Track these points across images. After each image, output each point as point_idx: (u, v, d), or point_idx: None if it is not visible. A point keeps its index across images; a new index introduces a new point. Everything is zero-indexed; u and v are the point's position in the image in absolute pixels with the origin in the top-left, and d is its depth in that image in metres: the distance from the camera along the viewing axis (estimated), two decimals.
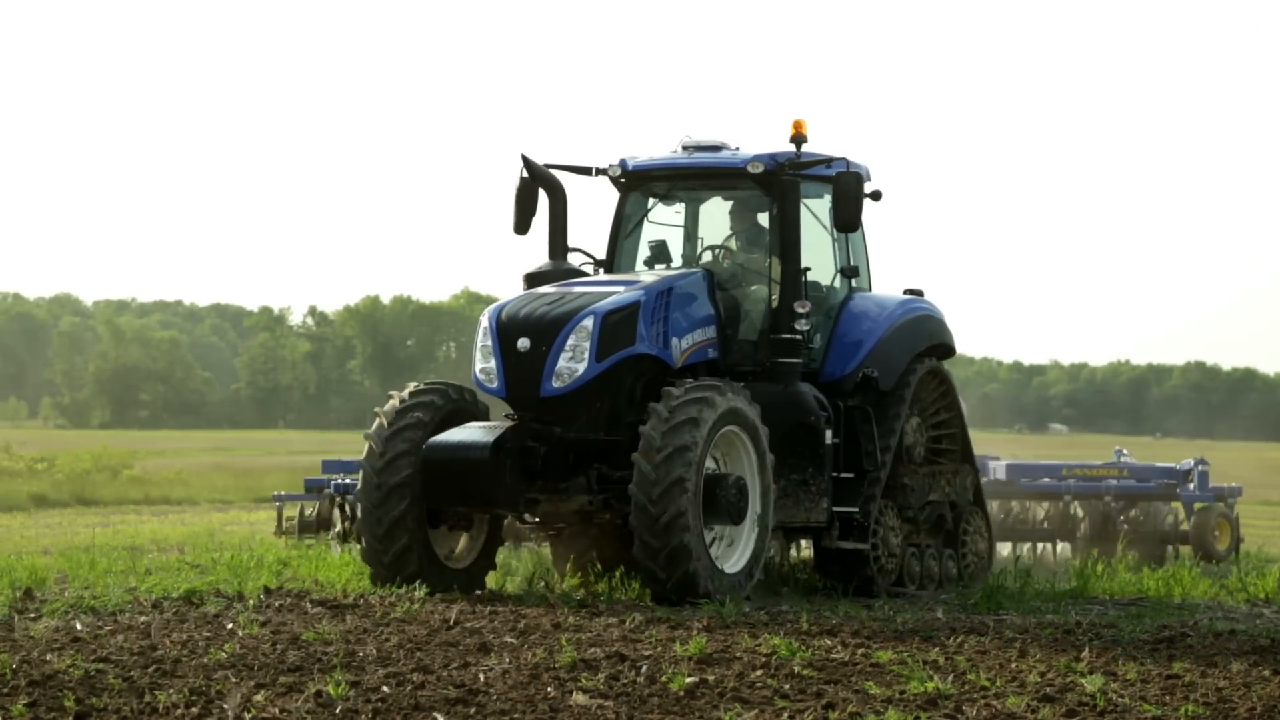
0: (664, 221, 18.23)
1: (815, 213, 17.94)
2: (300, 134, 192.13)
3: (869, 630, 13.47)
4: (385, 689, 9.62)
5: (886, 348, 17.98)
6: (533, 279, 17.23)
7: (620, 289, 16.40)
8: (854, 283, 18.31)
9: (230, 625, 12.82)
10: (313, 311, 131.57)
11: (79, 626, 12.72)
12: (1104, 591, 17.93)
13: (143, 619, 13.29)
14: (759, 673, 10.68)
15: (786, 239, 17.17)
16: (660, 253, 17.89)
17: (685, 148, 17.86)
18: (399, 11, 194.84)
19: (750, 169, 17.28)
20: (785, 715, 9.13)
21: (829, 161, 17.43)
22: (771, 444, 16.56)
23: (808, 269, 17.25)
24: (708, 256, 17.90)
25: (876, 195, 18.26)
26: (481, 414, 16.35)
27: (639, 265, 17.95)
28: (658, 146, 18.02)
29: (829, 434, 17.18)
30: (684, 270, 17.49)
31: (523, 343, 15.90)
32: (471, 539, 16.50)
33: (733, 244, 17.85)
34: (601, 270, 17.89)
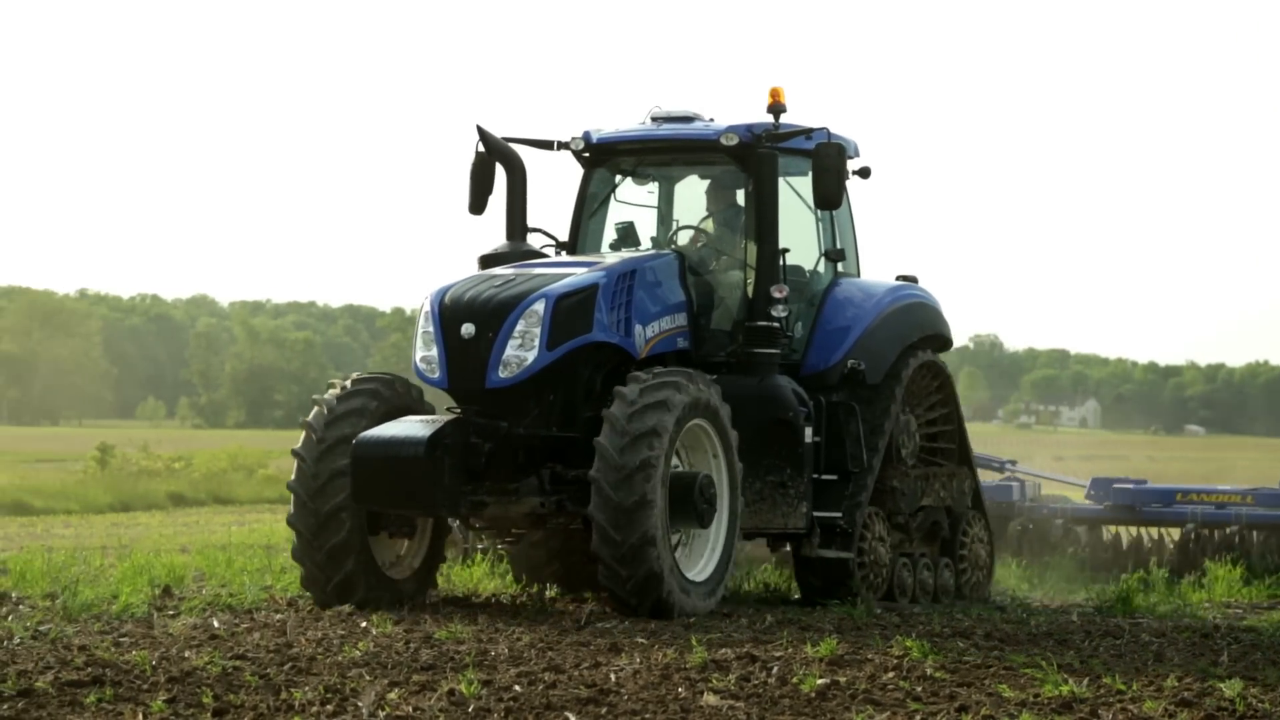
0: (632, 200, 16.78)
1: (797, 190, 16.47)
2: (431, 133, 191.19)
3: (1002, 633, 13.42)
4: (517, 688, 9.64)
5: (874, 338, 16.50)
6: (488, 261, 15.80)
7: (578, 270, 14.96)
8: (840, 267, 16.83)
9: (364, 623, 12.98)
10: None
11: (216, 624, 12.92)
12: (1239, 596, 17.72)
13: (278, 617, 13.59)
14: (891, 674, 10.59)
15: (763, 217, 15.70)
16: (628, 234, 16.44)
17: (654, 119, 16.40)
18: None
19: (724, 141, 15.83)
20: (918, 718, 9.00)
21: (809, 133, 15.96)
22: (746, 442, 15.10)
23: (786, 251, 15.78)
24: (681, 239, 16.43)
25: (865, 172, 16.80)
26: (430, 410, 14.92)
27: (604, 248, 16.50)
28: (626, 118, 16.60)
29: (809, 432, 15.69)
30: (651, 252, 16.04)
31: (467, 329, 14.46)
32: (412, 547, 15.05)
33: (707, 224, 16.38)
34: (564, 253, 16.45)
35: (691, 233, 16.36)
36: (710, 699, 9.41)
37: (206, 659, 10.65)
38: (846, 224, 16.89)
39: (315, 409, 14.53)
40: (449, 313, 14.55)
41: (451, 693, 9.42)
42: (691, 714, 8.99)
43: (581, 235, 16.60)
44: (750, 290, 15.77)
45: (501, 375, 14.38)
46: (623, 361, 15.00)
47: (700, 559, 14.66)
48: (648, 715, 8.87)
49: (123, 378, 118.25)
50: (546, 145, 16.54)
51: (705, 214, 16.44)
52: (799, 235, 16.47)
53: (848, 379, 16.29)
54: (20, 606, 14.20)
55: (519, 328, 14.39)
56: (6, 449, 65.34)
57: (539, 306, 14.42)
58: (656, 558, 13.76)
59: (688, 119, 16.28)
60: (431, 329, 14.60)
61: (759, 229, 15.69)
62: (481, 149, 16.18)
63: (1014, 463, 23.28)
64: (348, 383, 14.74)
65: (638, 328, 15.09)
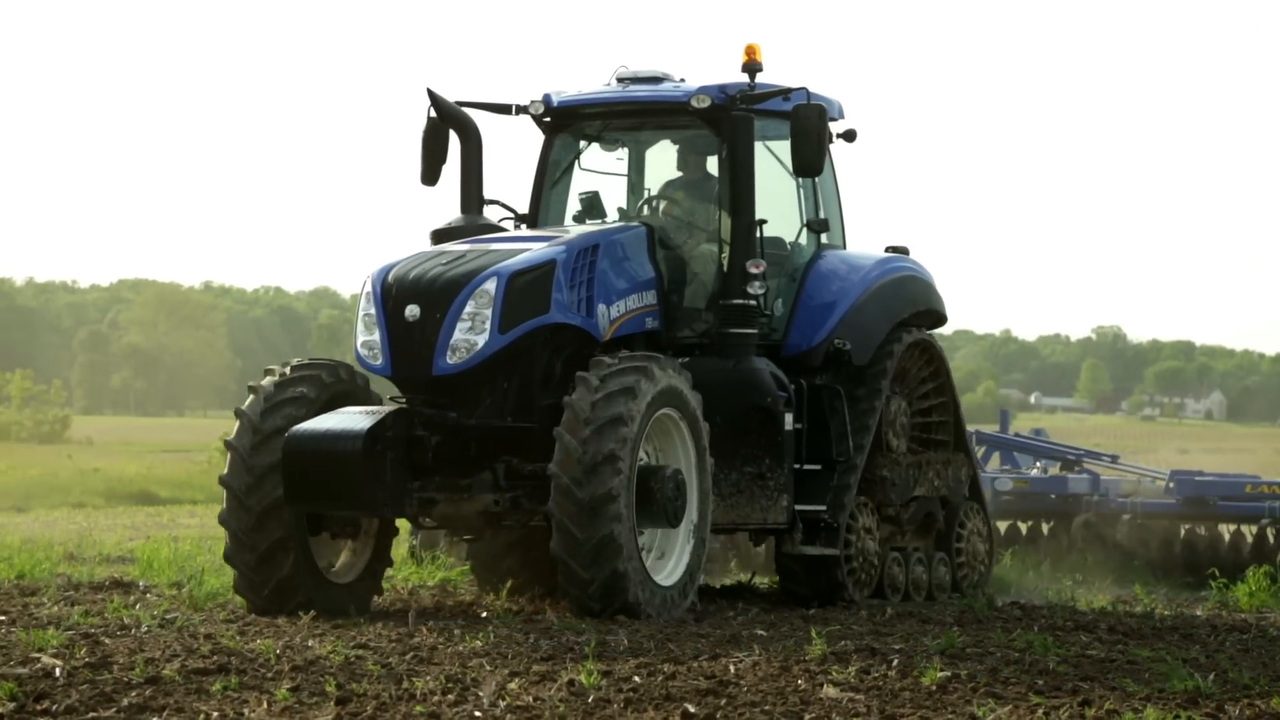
0: (599, 169, 15.51)
1: (776, 155, 15.21)
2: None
3: (1126, 626, 13.26)
4: (636, 679, 9.65)
5: (861, 315, 15.23)
6: (440, 237, 14.53)
7: (534, 245, 13.69)
8: (824, 239, 15.55)
9: (484, 614, 13.17)
10: None
11: None
12: None
13: (400, 606, 13.65)
14: (1012, 668, 10.46)
15: (738, 185, 14.42)
16: (593, 206, 15.17)
17: (620, 80, 15.11)
18: None
19: (695, 103, 14.54)
20: (1040, 711, 8.84)
21: (787, 93, 14.67)
22: (721, 430, 13.87)
23: (764, 221, 14.51)
24: (650, 210, 15.16)
25: (850, 135, 15.54)
26: (376, 399, 13.65)
27: (568, 220, 15.24)
28: (590, 80, 15.34)
29: (789, 418, 14.44)
30: (617, 224, 14.77)
31: (411, 311, 13.20)
32: (357, 549, 13.80)
33: (678, 194, 15.10)
34: (523, 226, 15.17)
35: (661, 203, 15.07)
36: (830, 691, 9.31)
37: (329, 648, 10.76)
38: (831, 192, 15.63)
39: (251, 397, 13.28)
40: (392, 293, 13.30)
41: (571, 683, 9.42)
42: (811, 706, 8.90)
43: (543, 207, 15.34)
44: (725, 265, 14.50)
45: (449, 361, 13.13)
46: (584, 345, 13.75)
47: (670, 560, 13.43)
48: (767, 707, 8.79)
49: (246, 369, 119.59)
50: (504, 110, 15.28)
51: (676, 183, 15.16)
52: (778, 205, 15.22)
53: (832, 360, 15.04)
54: (147, 595, 14.41)
55: (468, 309, 13.14)
56: (133, 439, 65.98)
57: (490, 285, 13.16)
58: (622, 559, 12.54)
59: (656, 80, 15.01)
60: (373, 311, 13.35)
61: (734, 198, 14.42)
62: (433, 114, 14.93)
63: (1115, 458, 21.75)
64: (286, 369, 13.48)
65: (601, 307, 13.84)
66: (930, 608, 13.85)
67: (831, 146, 15.47)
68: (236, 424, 13.19)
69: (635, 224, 14.63)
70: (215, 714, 8.24)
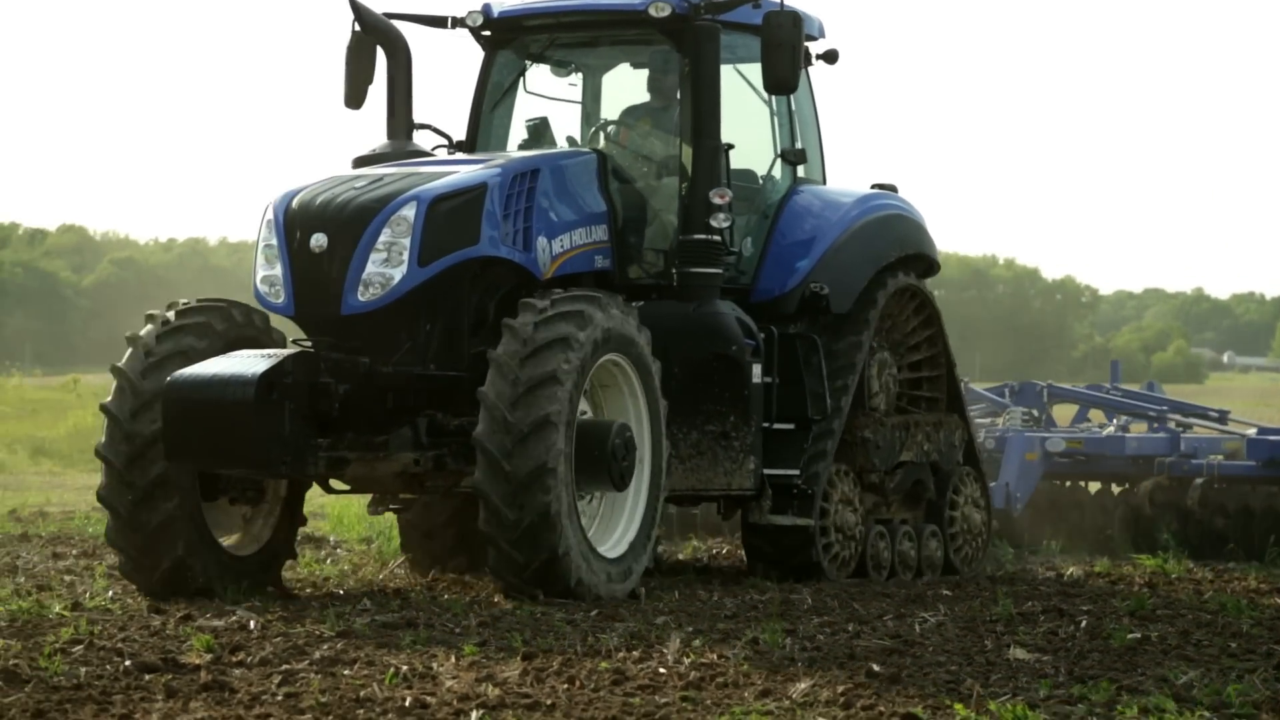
0: (548, 94, 13.77)
1: (746, 77, 13.49)
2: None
3: None
4: (820, 637, 9.65)
5: (841, 256, 13.49)
6: (364, 165, 12.79)
7: (464, 168, 11.97)
8: (801, 172, 13.81)
9: (669, 573, 13.06)
10: None
11: None
12: None
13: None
14: (1204, 631, 10.21)
15: (701, 106, 12.68)
16: (540, 132, 13.45)
17: None
18: None
19: (653, 12, 12.79)
20: (1233, 674, 8.58)
21: (757, 1, 12.93)
22: (680, 383, 12.23)
23: (730, 146, 12.78)
24: (606, 139, 13.42)
25: (831, 56, 13.80)
26: (280, 343, 11.92)
27: (511, 148, 13.51)
28: None
29: (757, 370, 12.71)
30: (562, 150, 13.05)
31: (317, 241, 11.49)
32: (259, 515, 12.09)
33: (638, 121, 13.36)
34: (459, 154, 13.44)
35: (618, 130, 13.33)
36: (1018, 653, 9.13)
37: (516, 604, 10.78)
38: (809, 120, 13.89)
39: (129, 351, 11.54)
40: (295, 221, 11.60)
41: (755, 641, 9.36)
42: (997, 667, 8.71)
43: (481, 133, 13.59)
44: (686, 196, 12.77)
45: (361, 299, 11.43)
46: (522, 284, 12.01)
47: (616, 528, 11.73)
48: (953, 667, 8.65)
49: None
50: (438, 22, 13.51)
51: (635, 109, 13.42)
52: (750, 132, 13.50)
53: (808, 307, 13.31)
54: (338, 550, 14.72)
55: (383, 238, 11.43)
56: None
57: (408, 212, 11.45)
58: (561, 540, 10.86)
59: None
60: (275, 242, 11.64)
61: (696, 119, 12.69)
62: (357, 28, 13.19)
63: (1225, 414, 19.25)
64: (171, 314, 11.72)
65: (541, 241, 12.10)
66: (1118, 568, 13.33)
67: (810, 69, 13.75)
68: (114, 384, 11.45)
69: (583, 150, 12.90)
70: (405, 667, 8.20)
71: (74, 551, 14.48)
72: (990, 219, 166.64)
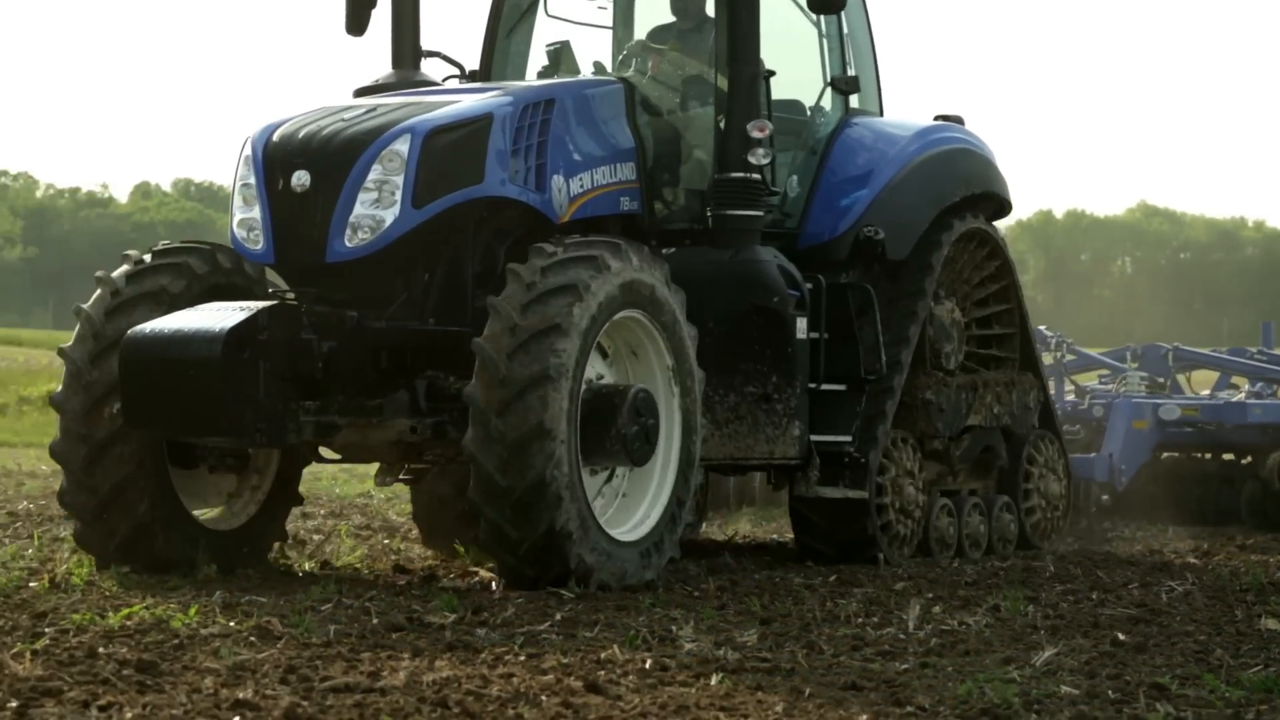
0: (572, 18, 12.37)
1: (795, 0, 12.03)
2: None
3: None
4: (1063, 605, 9.55)
5: (898, 196, 12.06)
6: (366, 96, 11.41)
7: (469, 97, 10.58)
8: (854, 102, 12.36)
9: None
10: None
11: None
12: None
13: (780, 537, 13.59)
14: None
15: (738, 25, 11.24)
16: (561, 59, 12.05)
17: None
18: None
19: None
20: None
21: None
22: (716, 340, 10.87)
23: (772, 73, 11.36)
24: (633, 65, 12.00)
25: None
26: (262, 295, 10.58)
27: (530, 77, 12.11)
28: None
29: (802, 324, 11.29)
30: (583, 78, 11.64)
31: (299, 178, 10.12)
32: (246, 490, 10.79)
33: (670, 45, 11.94)
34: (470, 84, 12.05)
35: (649, 57, 11.90)
36: (1269, 623, 8.81)
37: (753, 569, 10.96)
38: (863, 43, 12.47)
39: (97, 292, 10.25)
40: (276, 157, 10.23)
41: (996, 609, 9.28)
42: (1248, 638, 8.42)
43: (497, 61, 12.25)
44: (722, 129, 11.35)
45: (348, 244, 10.07)
46: (536, 229, 10.62)
47: (637, 509, 10.33)
48: (1201, 637, 8.39)
49: None
50: None
51: (667, 30, 12.01)
52: (796, 58, 12.10)
53: (861, 253, 11.89)
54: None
55: (373, 176, 10.06)
56: None
57: (401, 145, 10.07)
58: (560, 514, 9.48)
59: None
60: (253, 180, 10.28)
61: (733, 42, 11.25)
62: None
63: None
64: (147, 255, 10.41)
65: (557, 180, 10.70)
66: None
67: None
68: (76, 327, 10.16)
69: (609, 78, 11.49)
70: (645, 630, 8.19)
71: (322, 511, 14.97)
72: (1238, 179, 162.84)
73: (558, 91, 10.83)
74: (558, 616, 8.60)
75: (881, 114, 12.64)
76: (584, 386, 9.81)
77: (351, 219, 10.02)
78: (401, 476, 11.30)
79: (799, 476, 11.41)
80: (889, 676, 7.10)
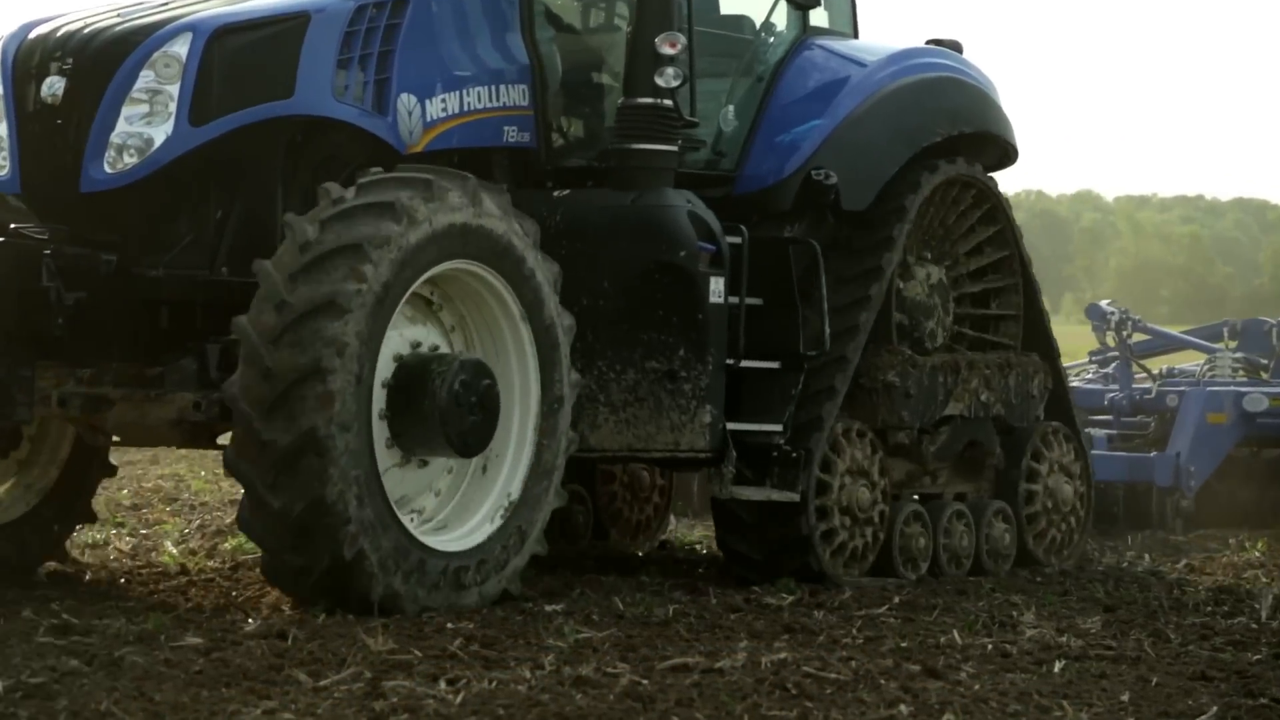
0: None
1: None
2: None
3: None
4: None
5: (861, 133, 9.86)
6: None
7: None
8: (817, 20, 10.16)
9: None
10: None
11: None
12: None
13: None
14: None
15: None
16: None
17: None
18: None
19: None
20: None
21: None
22: (608, 301, 8.78)
23: None
24: None
25: None
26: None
27: None
28: None
29: (718, 285, 9.11)
30: None
31: (51, 87, 8.19)
32: (12, 474, 8.89)
33: None
34: None
35: None
36: None
37: (1099, 557, 10.95)
38: None
39: None
40: (28, 62, 8.31)
41: None
42: None
43: None
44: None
45: (109, 170, 8.15)
46: (379, 158, 8.57)
47: (479, 508, 8.28)
48: None
49: None
50: None
51: None
52: None
53: (809, 201, 9.67)
54: None
55: (141, 84, 8.12)
56: None
57: (179, 47, 8.11)
58: (345, 536, 7.52)
59: None
60: (2, 91, 8.34)
61: None
62: None
63: None
64: None
65: (406, 100, 8.66)
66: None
67: None
68: None
69: None
70: (984, 615, 8.25)
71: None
72: None
73: None
74: (896, 600, 8.64)
75: (856, 36, 10.43)
76: (399, 362, 7.88)
77: (113, 138, 8.09)
78: None
79: (711, 474, 9.24)
80: (1240, 667, 6.98)
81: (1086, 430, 12.44)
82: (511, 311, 8.27)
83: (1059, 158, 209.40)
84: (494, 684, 6.18)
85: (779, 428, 9.29)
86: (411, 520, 8.04)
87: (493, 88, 9.04)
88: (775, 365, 9.41)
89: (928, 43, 10.52)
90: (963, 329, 10.40)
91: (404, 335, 8.07)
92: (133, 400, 8.17)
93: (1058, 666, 6.90)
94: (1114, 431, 13.19)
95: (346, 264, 7.57)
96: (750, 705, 6.04)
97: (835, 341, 9.46)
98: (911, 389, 9.81)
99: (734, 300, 9.18)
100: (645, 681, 6.32)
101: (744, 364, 9.26)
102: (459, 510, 8.26)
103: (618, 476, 10.88)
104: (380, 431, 7.85)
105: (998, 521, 10.31)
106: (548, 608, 7.92)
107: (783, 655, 6.93)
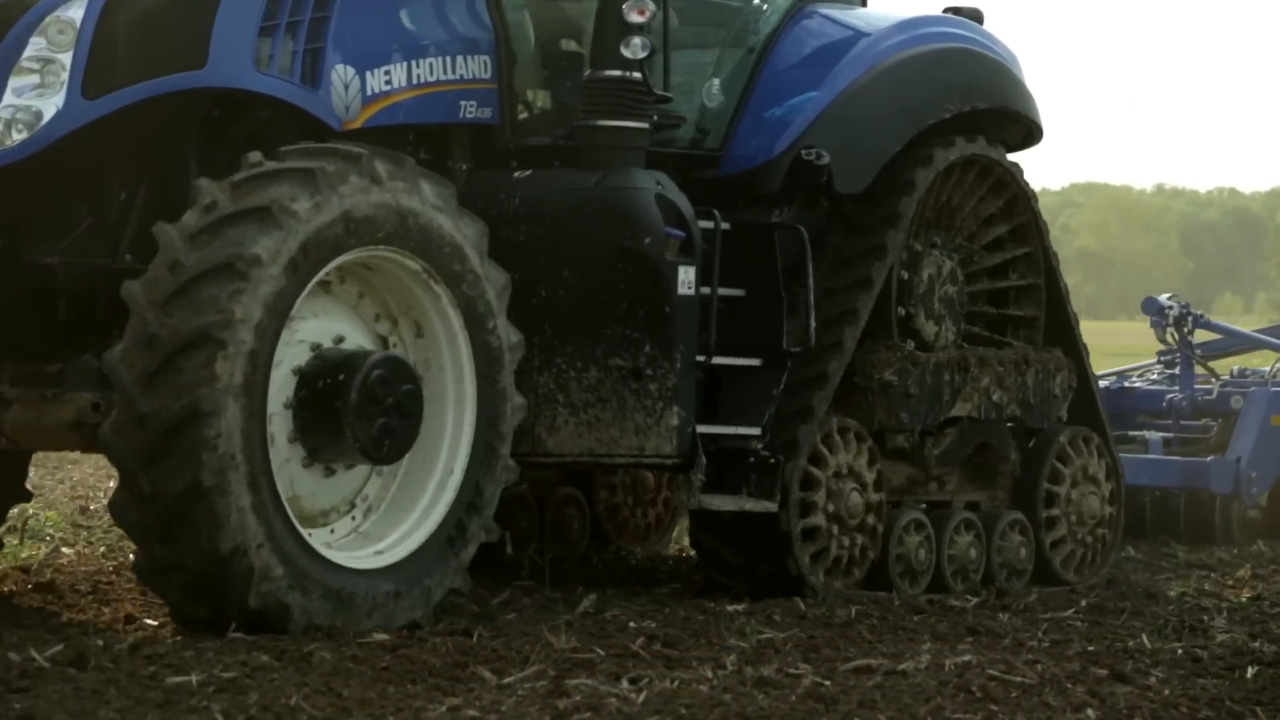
0: None
1: None
2: None
3: None
4: None
5: (859, 108, 9.03)
6: None
7: None
8: None
9: None
10: None
11: None
12: None
13: None
14: None
15: None
16: None
17: None
18: None
19: None
20: None
21: None
22: (569, 292, 8.11)
23: None
24: None
25: None
26: None
27: None
28: None
29: (687, 275, 8.32)
30: None
31: None
32: None
33: None
34: None
35: None
36: None
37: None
38: None
39: None
40: None
41: None
42: None
43: None
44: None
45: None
46: (312, 137, 7.85)
47: (402, 521, 7.59)
48: None
49: (1198, 272, 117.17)
50: None
51: None
52: None
53: (799, 182, 8.87)
54: None
55: (31, 52, 7.46)
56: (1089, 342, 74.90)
57: (73, 11, 7.47)
58: (224, 530, 6.88)
59: None
60: None
61: None
62: None
63: None
64: None
65: (341, 71, 7.96)
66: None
67: None
68: None
69: None
70: (1174, 619, 8.15)
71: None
72: None
73: None
74: (1083, 603, 8.57)
75: (864, 5, 9.60)
76: (316, 351, 7.21)
77: (1, 112, 7.40)
78: None
79: (680, 482, 8.46)
80: None
81: (1142, 433, 11.54)
82: (446, 308, 7.57)
83: (1254, 154, 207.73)
84: (676, 683, 6.25)
85: (757, 431, 8.51)
86: (330, 531, 7.37)
87: (448, 58, 8.32)
88: (755, 363, 8.63)
89: (945, 11, 9.65)
90: (976, 329, 9.54)
91: (328, 326, 7.40)
92: (27, 400, 7.52)
93: (1250, 672, 6.83)
94: (1172, 435, 12.24)
95: (253, 228, 6.90)
96: (934, 708, 5.99)
97: (831, 327, 8.69)
98: (912, 388, 8.98)
99: (705, 291, 8.38)
100: (828, 683, 6.36)
101: (717, 361, 8.48)
102: (383, 522, 7.57)
103: (619, 478, 10.15)
104: (283, 423, 7.18)
105: (1013, 533, 9.46)
106: (729, 608, 7.95)
107: (967, 658, 6.92)
